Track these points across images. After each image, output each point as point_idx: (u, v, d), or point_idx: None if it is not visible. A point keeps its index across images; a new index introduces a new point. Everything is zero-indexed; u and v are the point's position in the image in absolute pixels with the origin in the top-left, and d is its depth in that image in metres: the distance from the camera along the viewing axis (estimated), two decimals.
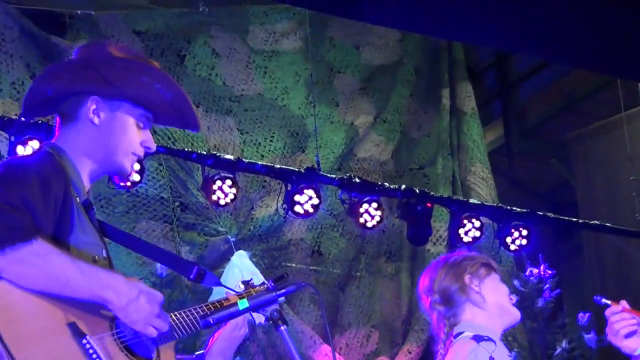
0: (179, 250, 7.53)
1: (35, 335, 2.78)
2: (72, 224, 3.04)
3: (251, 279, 3.45)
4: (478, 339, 3.88)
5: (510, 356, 3.97)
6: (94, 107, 3.19)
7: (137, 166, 6.97)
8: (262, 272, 5.82)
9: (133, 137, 3.25)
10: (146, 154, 3.33)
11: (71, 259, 2.89)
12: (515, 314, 4.16)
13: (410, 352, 8.37)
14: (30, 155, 3.18)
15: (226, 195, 7.37)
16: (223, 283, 3.38)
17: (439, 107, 9.03)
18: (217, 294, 3.54)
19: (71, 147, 3.20)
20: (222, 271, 7.36)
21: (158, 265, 7.09)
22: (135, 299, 2.92)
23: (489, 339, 3.87)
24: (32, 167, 3.02)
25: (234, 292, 3.30)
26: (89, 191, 3.27)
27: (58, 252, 2.86)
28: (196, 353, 3.35)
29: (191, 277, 3.35)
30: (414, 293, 8.46)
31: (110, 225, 3.47)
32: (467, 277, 4.11)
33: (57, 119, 3.28)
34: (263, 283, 3.41)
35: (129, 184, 7.07)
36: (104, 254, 3.18)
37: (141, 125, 3.27)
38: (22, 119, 6.25)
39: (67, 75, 3.22)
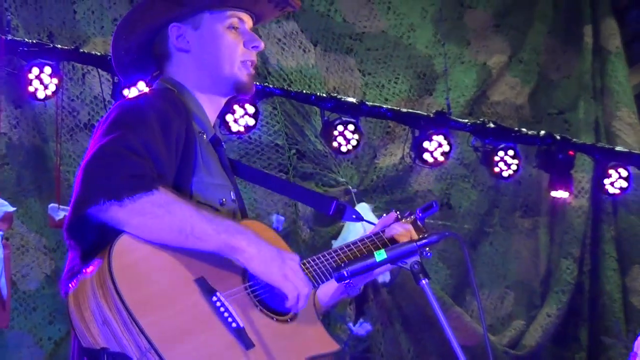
0: (294, 202, 7.45)
1: (161, 297, 2.69)
2: (195, 165, 2.94)
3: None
4: None
5: None
6: (175, 34, 3.11)
7: (251, 109, 6.97)
8: None
9: (230, 43, 3.11)
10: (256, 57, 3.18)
11: (195, 207, 2.76)
12: None
13: (549, 316, 8.23)
14: (147, 92, 3.08)
15: (348, 142, 7.31)
16: (344, 239, 3.07)
17: (580, 45, 8.71)
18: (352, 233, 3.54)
19: (183, 81, 3.12)
20: (342, 226, 7.12)
21: (274, 218, 7.10)
22: (266, 246, 2.80)
23: None
24: (149, 105, 2.91)
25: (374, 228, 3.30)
26: (215, 125, 3.19)
27: (181, 200, 2.74)
28: None
29: (330, 212, 3.36)
30: (553, 250, 8.45)
31: (241, 162, 3.40)
32: None
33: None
34: (410, 213, 3.38)
35: (242, 129, 6.96)
36: (232, 196, 3.06)
37: (234, 26, 3.13)
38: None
39: (138, 20, 3.14)
